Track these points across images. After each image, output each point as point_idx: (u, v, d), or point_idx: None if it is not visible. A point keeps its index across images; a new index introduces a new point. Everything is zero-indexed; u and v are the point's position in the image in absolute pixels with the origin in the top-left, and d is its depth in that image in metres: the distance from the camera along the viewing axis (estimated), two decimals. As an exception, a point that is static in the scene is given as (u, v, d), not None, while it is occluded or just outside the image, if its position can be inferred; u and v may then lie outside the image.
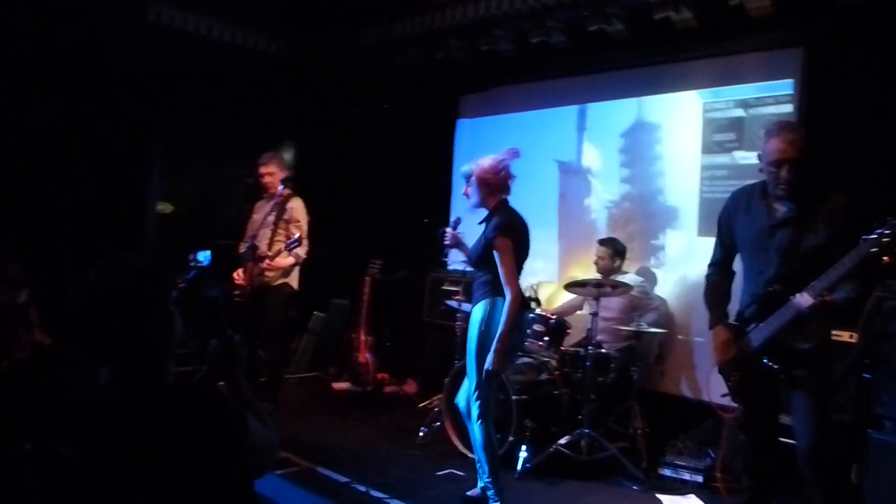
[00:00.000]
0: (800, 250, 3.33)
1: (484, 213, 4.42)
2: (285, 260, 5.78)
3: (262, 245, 5.81)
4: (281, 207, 5.87)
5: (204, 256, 4.97)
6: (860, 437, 3.90)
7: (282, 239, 5.77)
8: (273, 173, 5.96)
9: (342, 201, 8.71)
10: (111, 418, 1.81)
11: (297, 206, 5.91)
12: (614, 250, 5.88)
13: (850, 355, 3.97)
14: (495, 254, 4.21)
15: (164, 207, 8.42)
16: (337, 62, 8.10)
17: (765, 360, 3.41)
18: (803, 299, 3.19)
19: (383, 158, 8.27)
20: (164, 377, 1.92)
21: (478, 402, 4.23)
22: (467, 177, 4.46)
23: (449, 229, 4.63)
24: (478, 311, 4.30)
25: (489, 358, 4.13)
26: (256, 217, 6.06)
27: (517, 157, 4.43)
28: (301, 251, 5.80)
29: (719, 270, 3.76)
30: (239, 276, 5.78)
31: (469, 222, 4.65)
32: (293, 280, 5.96)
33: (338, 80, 8.34)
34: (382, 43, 7.48)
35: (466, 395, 4.34)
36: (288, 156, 9.21)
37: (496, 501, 4.26)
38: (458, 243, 4.61)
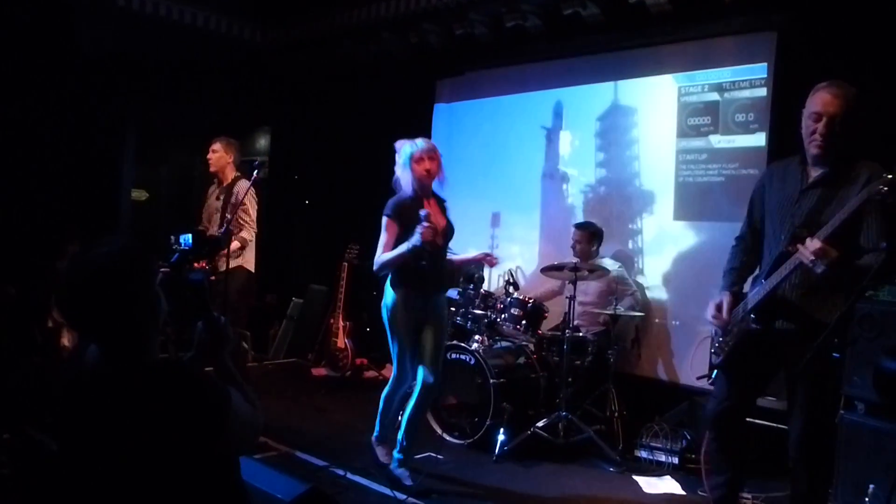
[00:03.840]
0: (823, 214, 3.16)
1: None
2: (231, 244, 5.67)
3: (213, 229, 5.75)
4: (228, 191, 5.80)
5: (185, 240, 4.95)
6: (832, 417, 3.94)
7: (233, 224, 5.67)
8: (216, 150, 5.82)
9: (319, 186, 8.68)
10: (97, 395, 1.86)
11: (242, 189, 5.69)
12: (591, 234, 5.90)
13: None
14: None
15: (139, 195, 8.36)
16: (311, 47, 8.05)
17: (751, 317, 3.33)
18: (811, 243, 2.99)
19: (359, 143, 8.23)
20: (149, 355, 1.95)
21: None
22: (431, 154, 4.48)
23: (430, 226, 4.36)
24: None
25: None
26: (211, 202, 6.00)
27: None
28: (246, 234, 5.71)
29: (741, 244, 3.66)
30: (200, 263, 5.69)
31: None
32: (248, 263, 5.86)
33: (312, 65, 8.29)
34: (357, 27, 7.45)
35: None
36: (263, 141, 9.18)
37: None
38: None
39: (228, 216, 5.60)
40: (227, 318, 2.26)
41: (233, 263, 5.62)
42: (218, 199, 5.86)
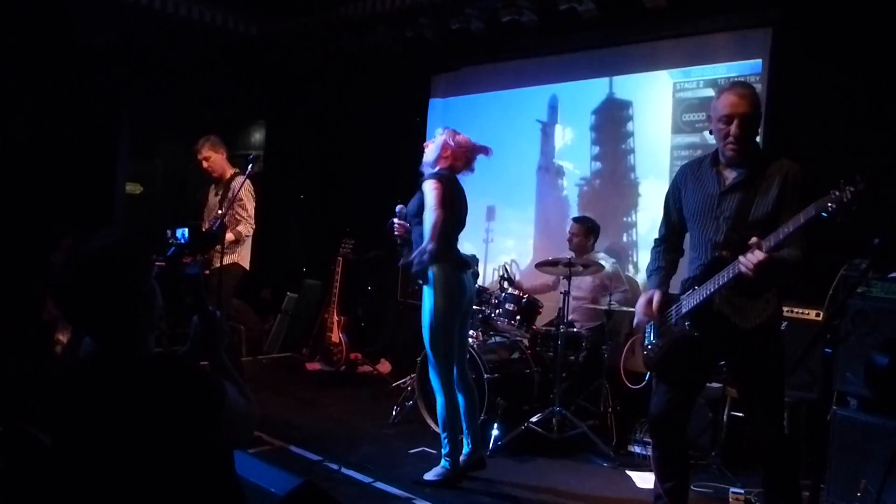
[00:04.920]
0: (749, 216, 3.17)
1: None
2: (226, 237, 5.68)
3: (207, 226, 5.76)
4: (226, 188, 5.80)
5: (181, 234, 4.95)
6: (824, 413, 3.96)
7: (229, 219, 5.67)
8: (208, 157, 5.82)
9: (314, 181, 8.68)
10: (92, 388, 1.85)
11: (237, 185, 5.67)
12: (588, 228, 5.91)
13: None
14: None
15: (134, 188, 8.34)
16: (306, 40, 8.04)
17: (686, 324, 3.27)
18: (753, 255, 2.95)
19: (355, 138, 8.24)
20: (145, 349, 1.95)
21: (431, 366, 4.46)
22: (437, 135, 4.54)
23: (398, 221, 4.51)
24: (428, 290, 4.40)
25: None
26: (210, 199, 6.00)
27: (488, 154, 4.53)
28: (244, 229, 5.72)
29: (663, 245, 3.60)
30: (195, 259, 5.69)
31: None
32: (243, 260, 5.86)
33: (308, 60, 8.28)
34: (352, 20, 7.44)
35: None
36: (258, 135, 9.16)
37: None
38: (408, 233, 4.55)
39: (222, 211, 5.60)
40: (221, 312, 2.26)
41: (227, 259, 5.62)
42: (217, 195, 5.86)
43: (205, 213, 6.02)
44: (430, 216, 4.23)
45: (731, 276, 3.09)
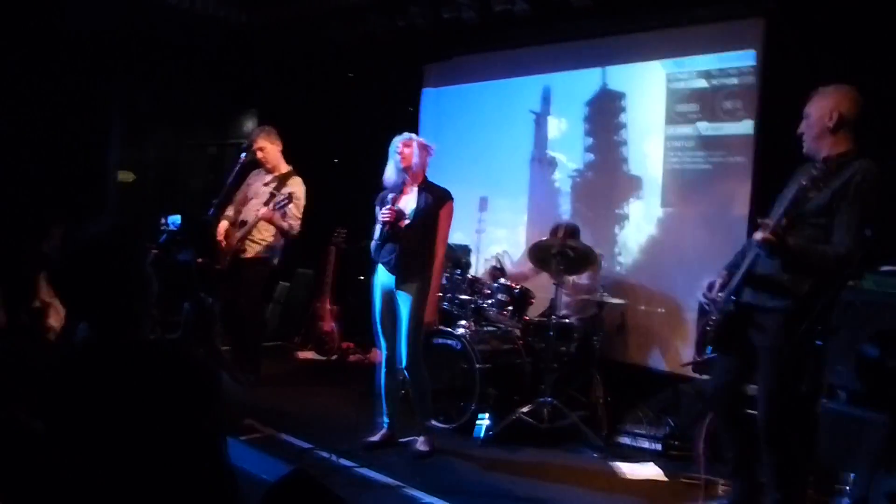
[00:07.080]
0: (805, 206, 3.29)
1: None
2: (274, 216, 5.72)
3: (251, 214, 5.77)
4: (281, 182, 5.83)
5: (173, 221, 4.96)
6: (814, 405, 3.97)
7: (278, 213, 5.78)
8: (263, 147, 5.90)
9: (305, 170, 8.62)
10: (88, 373, 1.86)
11: (297, 183, 5.90)
12: (572, 231, 5.77)
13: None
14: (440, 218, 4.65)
15: (126, 176, 8.30)
16: (298, 29, 7.99)
17: (732, 298, 3.49)
18: (757, 233, 3.18)
19: (347, 127, 8.20)
20: (141, 334, 1.96)
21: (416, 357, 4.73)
22: (406, 141, 4.72)
23: (390, 208, 4.63)
24: (415, 287, 4.66)
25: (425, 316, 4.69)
26: (253, 186, 5.99)
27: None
28: (295, 224, 5.77)
29: None
30: (221, 233, 5.67)
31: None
32: (275, 257, 5.94)
33: (300, 48, 8.23)
34: (344, 8, 7.38)
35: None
36: (250, 124, 9.11)
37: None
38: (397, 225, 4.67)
39: (270, 204, 5.68)
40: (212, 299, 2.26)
41: (263, 253, 5.77)
42: (266, 185, 5.88)
43: (238, 195, 6.01)
44: (445, 233, 4.71)
45: (753, 256, 3.33)
